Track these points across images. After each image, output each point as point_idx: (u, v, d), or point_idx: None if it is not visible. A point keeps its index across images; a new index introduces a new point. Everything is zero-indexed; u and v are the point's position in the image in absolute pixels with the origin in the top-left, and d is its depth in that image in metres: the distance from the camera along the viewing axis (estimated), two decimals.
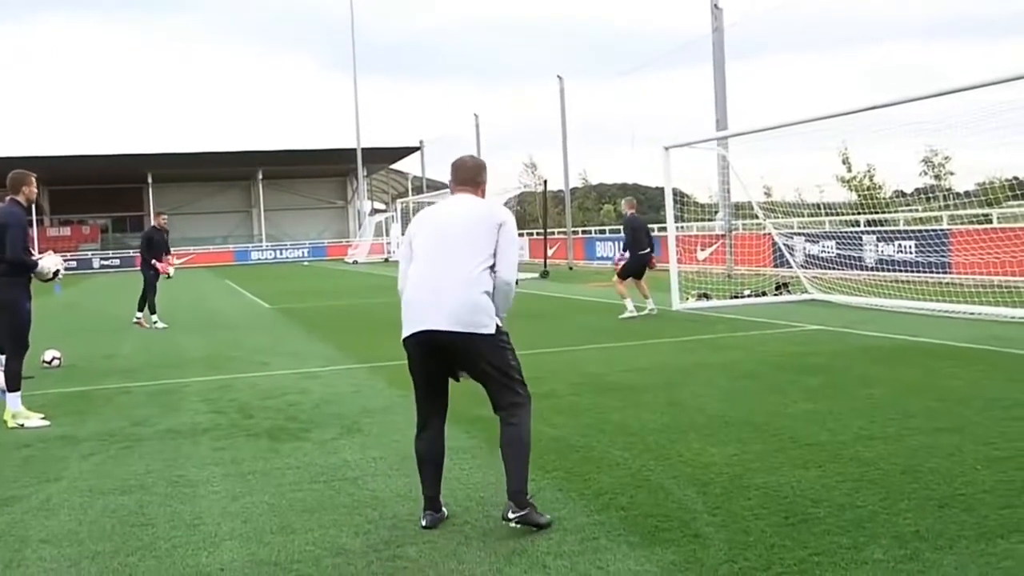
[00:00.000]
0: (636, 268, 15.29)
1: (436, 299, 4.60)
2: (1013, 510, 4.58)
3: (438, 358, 4.70)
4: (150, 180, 65.76)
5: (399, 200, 54.95)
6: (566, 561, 4.17)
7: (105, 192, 67.56)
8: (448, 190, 5.11)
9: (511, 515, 4.51)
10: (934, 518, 4.52)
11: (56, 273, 8.65)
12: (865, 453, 5.80)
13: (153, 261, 17.20)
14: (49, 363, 11.47)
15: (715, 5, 26.10)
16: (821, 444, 6.08)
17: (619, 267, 15.61)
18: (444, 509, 4.84)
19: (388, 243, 53.77)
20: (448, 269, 4.64)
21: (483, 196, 4.97)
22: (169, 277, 17.64)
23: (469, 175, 4.99)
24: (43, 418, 7.99)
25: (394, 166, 71.41)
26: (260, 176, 68.18)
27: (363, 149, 58.60)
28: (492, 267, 4.69)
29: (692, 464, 5.72)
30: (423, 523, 4.70)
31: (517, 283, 4.90)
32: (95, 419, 8.11)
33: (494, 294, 4.68)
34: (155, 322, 16.73)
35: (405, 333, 4.71)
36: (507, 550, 4.34)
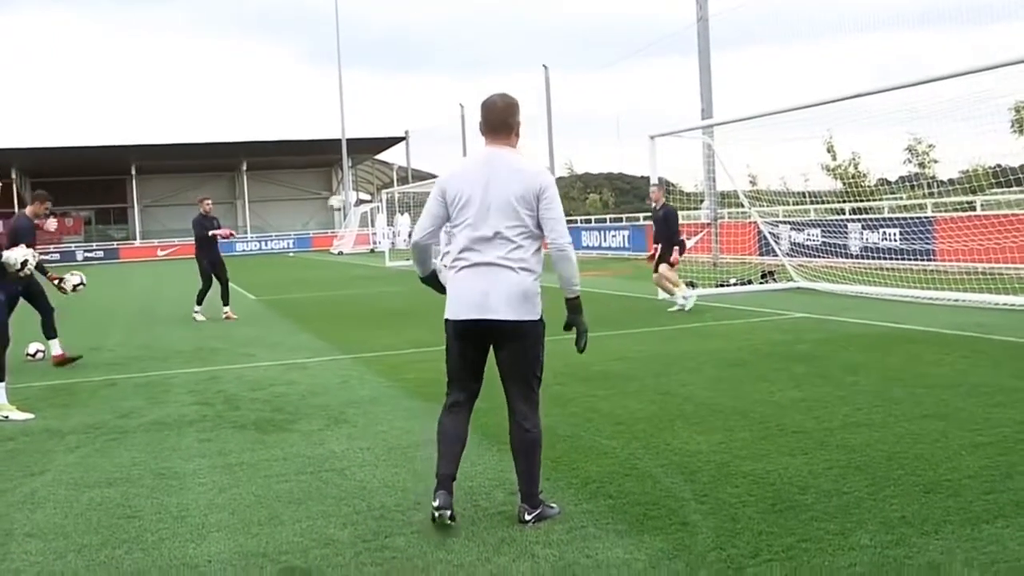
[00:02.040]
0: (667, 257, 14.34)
1: (488, 286, 4.39)
2: (998, 495, 4.62)
3: (482, 343, 4.53)
4: (134, 171, 65.43)
5: (384, 190, 54.88)
6: (554, 550, 4.17)
7: (88, 184, 67.13)
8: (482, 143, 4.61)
9: (527, 516, 4.47)
10: (920, 504, 4.54)
11: (24, 264, 8.62)
12: (851, 440, 5.82)
13: (212, 233, 15.95)
14: (33, 356, 11.40)
15: None
16: (808, 431, 6.11)
17: (653, 260, 14.48)
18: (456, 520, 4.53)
19: (373, 234, 53.64)
20: (496, 249, 4.39)
21: (517, 139, 4.56)
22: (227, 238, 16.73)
23: (501, 118, 4.51)
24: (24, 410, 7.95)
25: (379, 157, 71.22)
26: (245, 167, 67.92)
27: (348, 140, 58.42)
28: (535, 234, 4.44)
29: (680, 452, 5.74)
30: (435, 503, 4.43)
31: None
32: (80, 412, 8.07)
33: (555, 265, 4.45)
34: (197, 312, 15.90)
35: (451, 316, 4.51)
36: (495, 539, 4.35)
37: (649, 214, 19.85)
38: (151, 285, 29.32)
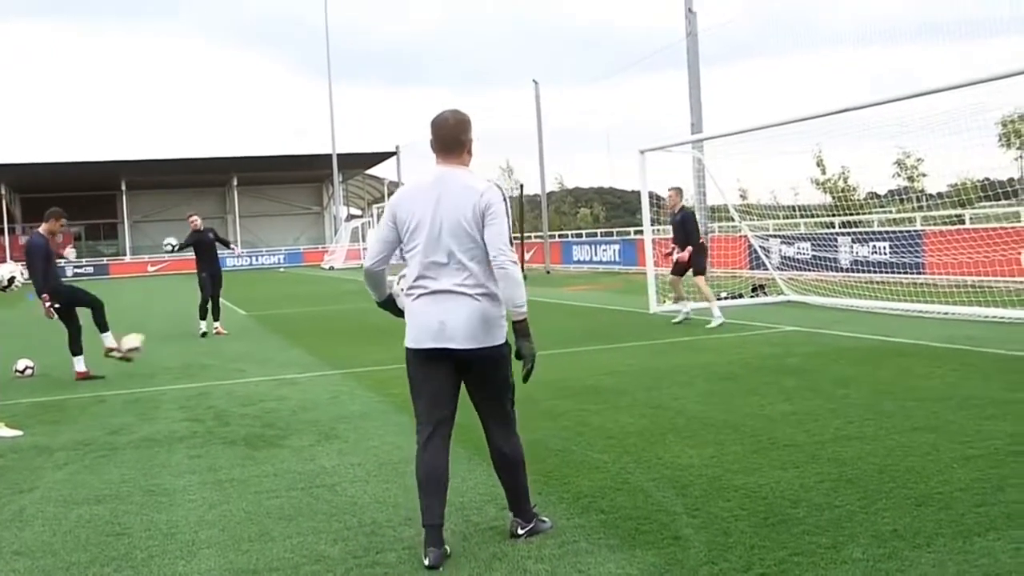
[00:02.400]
0: (688, 264, 14.02)
1: (444, 314, 4.22)
2: (989, 508, 4.62)
3: (448, 368, 4.33)
4: (124, 187, 65.25)
5: (375, 205, 54.79)
6: (546, 565, 4.16)
7: (78, 199, 66.72)
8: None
9: (520, 532, 4.44)
10: (912, 517, 4.54)
11: (11, 280, 8.64)
12: (843, 453, 5.82)
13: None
14: (22, 372, 11.34)
15: (689, 9, 26.21)
16: (799, 445, 6.11)
17: (680, 261, 14.06)
18: (446, 545, 4.28)
19: (364, 249, 53.56)
20: (451, 277, 4.21)
21: (469, 158, 4.36)
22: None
23: (452, 135, 4.31)
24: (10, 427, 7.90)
25: (370, 171, 71.23)
26: (235, 182, 67.82)
27: (339, 154, 58.42)
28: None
29: (671, 466, 5.73)
30: (427, 562, 4.15)
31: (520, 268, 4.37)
32: (69, 428, 8.02)
33: (498, 284, 4.22)
34: (201, 327, 15.78)
35: (411, 344, 4.33)
36: (487, 555, 4.33)
37: (640, 228, 19.90)
38: (141, 301, 29.22)
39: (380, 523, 4.90)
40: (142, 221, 69.23)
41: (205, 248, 16.01)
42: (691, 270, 14.08)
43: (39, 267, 10.58)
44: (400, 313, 4.55)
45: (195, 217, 16.42)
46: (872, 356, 9.99)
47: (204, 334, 15.60)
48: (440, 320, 4.22)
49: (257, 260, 62.01)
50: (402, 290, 4.48)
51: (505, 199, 4.24)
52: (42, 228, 10.78)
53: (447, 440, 4.39)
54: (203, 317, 15.81)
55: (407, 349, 4.38)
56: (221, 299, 16.30)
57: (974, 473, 5.24)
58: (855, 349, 10.62)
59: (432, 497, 4.25)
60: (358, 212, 72.90)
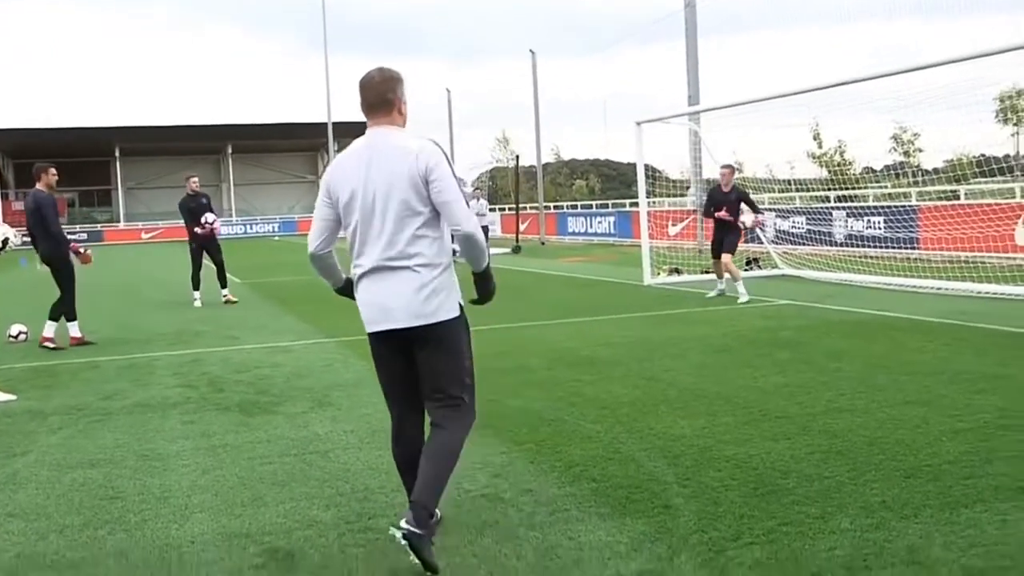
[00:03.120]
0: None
1: (385, 292, 3.89)
2: (977, 480, 4.65)
3: (399, 351, 3.99)
4: (117, 153, 64.99)
5: None
6: (537, 532, 4.19)
7: (72, 166, 66.36)
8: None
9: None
10: (900, 488, 4.58)
11: (5, 242, 8.61)
12: (834, 425, 5.86)
13: (197, 230, 15.26)
14: (15, 337, 11.34)
15: None
16: (790, 417, 6.14)
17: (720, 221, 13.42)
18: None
19: None
20: (386, 250, 3.85)
21: (403, 118, 3.98)
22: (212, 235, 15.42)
23: (378, 93, 3.92)
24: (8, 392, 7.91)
25: None
26: (230, 150, 67.57)
27: (334, 123, 58.15)
28: (436, 219, 3.85)
29: (663, 436, 5.76)
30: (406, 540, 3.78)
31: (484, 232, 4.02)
32: (63, 393, 8.04)
33: (460, 249, 3.91)
34: (195, 299, 15.28)
35: (367, 328, 4.03)
36: (478, 521, 4.36)
37: (635, 200, 19.86)
38: (135, 268, 29.20)
39: (372, 489, 4.93)
40: (136, 188, 68.99)
41: (198, 216, 15.36)
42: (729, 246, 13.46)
43: (54, 220, 10.67)
44: None
45: (195, 179, 15.73)
46: (865, 330, 10.02)
47: (198, 305, 15.12)
48: (383, 299, 3.90)
49: (252, 228, 61.87)
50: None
51: (445, 155, 3.86)
52: (40, 185, 10.64)
53: (420, 432, 4.12)
54: (196, 288, 15.36)
55: (367, 334, 4.07)
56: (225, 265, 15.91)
57: (963, 446, 5.27)
58: (848, 323, 10.66)
59: (412, 478, 4.00)
60: None
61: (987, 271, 14.42)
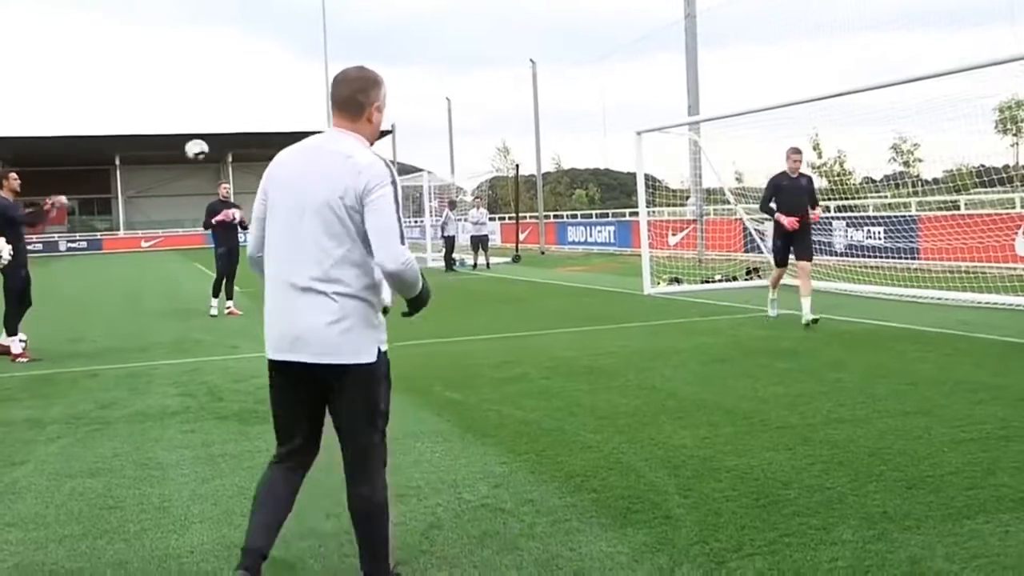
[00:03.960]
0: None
1: (294, 319, 3.36)
2: (979, 491, 4.64)
3: (302, 386, 3.47)
4: (118, 162, 65.02)
5: None
6: (538, 543, 4.17)
7: (72, 174, 66.59)
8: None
9: None
10: (902, 499, 4.56)
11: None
12: (835, 436, 5.84)
13: (216, 219, 14.89)
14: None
15: None
16: (791, 427, 6.13)
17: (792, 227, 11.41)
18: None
19: None
20: (306, 267, 3.32)
21: (371, 128, 3.48)
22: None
23: (349, 92, 3.45)
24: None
25: None
26: (230, 159, 67.55)
27: None
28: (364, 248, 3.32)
29: (663, 447, 5.74)
30: None
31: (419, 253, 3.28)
32: (61, 402, 8.02)
33: (391, 287, 3.44)
34: (212, 306, 14.87)
35: (267, 354, 3.50)
36: (479, 532, 4.34)
37: (635, 210, 19.83)
38: (135, 276, 29.18)
39: None
40: (136, 196, 69.03)
41: (228, 221, 14.98)
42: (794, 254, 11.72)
43: (20, 217, 10.49)
44: None
45: (226, 185, 15.62)
46: (865, 340, 10.01)
47: (215, 314, 14.73)
48: (290, 323, 3.37)
49: None
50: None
51: (394, 181, 3.32)
52: (4, 192, 10.46)
53: (299, 473, 3.63)
54: (216, 295, 14.90)
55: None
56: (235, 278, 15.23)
57: (965, 457, 5.26)
58: (848, 333, 10.65)
59: (263, 516, 3.52)
60: None
61: (987, 281, 14.42)
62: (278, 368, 3.49)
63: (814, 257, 12.37)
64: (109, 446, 6.34)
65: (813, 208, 11.76)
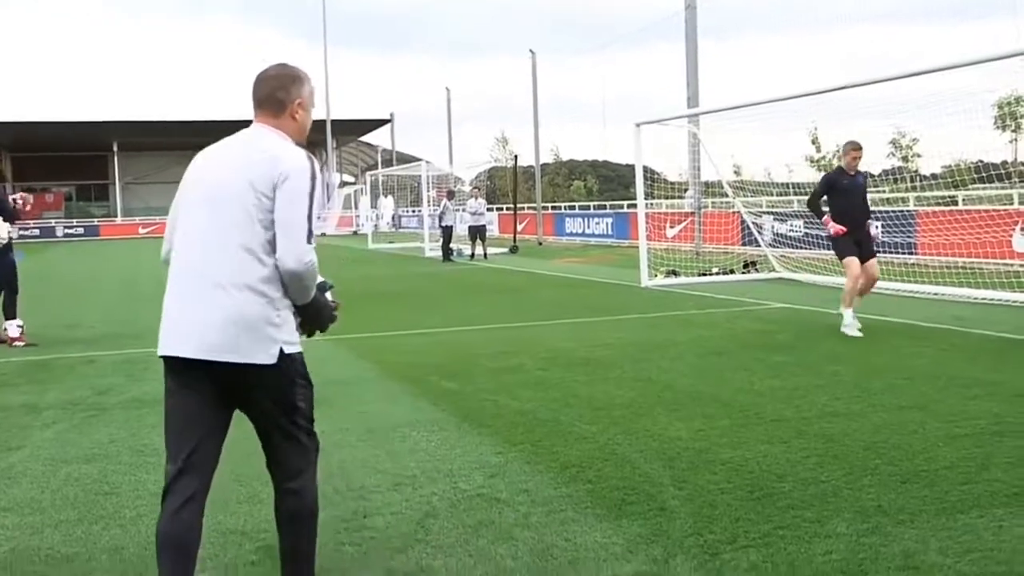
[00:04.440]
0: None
1: (187, 311, 3.16)
2: (973, 486, 4.66)
3: (203, 387, 3.20)
4: (116, 148, 64.87)
5: (368, 172, 54.74)
6: (533, 533, 4.18)
7: (70, 160, 66.59)
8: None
9: None
10: (896, 493, 4.58)
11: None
12: (830, 429, 5.86)
13: None
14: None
15: None
16: (787, 420, 6.14)
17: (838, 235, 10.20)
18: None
19: (356, 215, 53.50)
20: (203, 261, 3.15)
21: (297, 125, 3.39)
22: None
23: (269, 89, 3.36)
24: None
25: (364, 138, 70.87)
26: None
27: (333, 121, 58.11)
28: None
29: (659, 438, 5.75)
30: None
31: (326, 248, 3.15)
32: (58, 388, 8.02)
33: (286, 285, 3.17)
34: None
35: (159, 351, 3.25)
36: (474, 521, 4.35)
37: (634, 202, 19.80)
38: (132, 263, 29.13)
39: (368, 488, 4.92)
40: (134, 183, 68.87)
41: None
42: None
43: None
44: None
45: None
46: (862, 334, 10.01)
47: None
48: (194, 319, 3.14)
49: None
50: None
51: (314, 176, 3.19)
52: None
53: (199, 505, 3.29)
54: None
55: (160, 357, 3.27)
56: None
57: (959, 452, 5.27)
58: None
59: (172, 564, 3.18)
60: (351, 179, 72.64)
61: (984, 277, 14.43)
62: (176, 367, 3.22)
63: (811, 250, 12.04)
64: (105, 432, 6.34)
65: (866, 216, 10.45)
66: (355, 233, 50.25)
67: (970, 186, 21.92)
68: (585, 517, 4.37)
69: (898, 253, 18.75)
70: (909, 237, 19.55)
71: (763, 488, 4.71)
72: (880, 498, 4.50)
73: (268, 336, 3.15)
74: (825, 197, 10.48)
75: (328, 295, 3.46)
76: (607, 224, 34.75)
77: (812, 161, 34.19)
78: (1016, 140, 37.76)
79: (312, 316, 3.35)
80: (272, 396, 3.25)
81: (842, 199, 10.22)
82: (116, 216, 64.77)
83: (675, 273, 17.90)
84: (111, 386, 8.03)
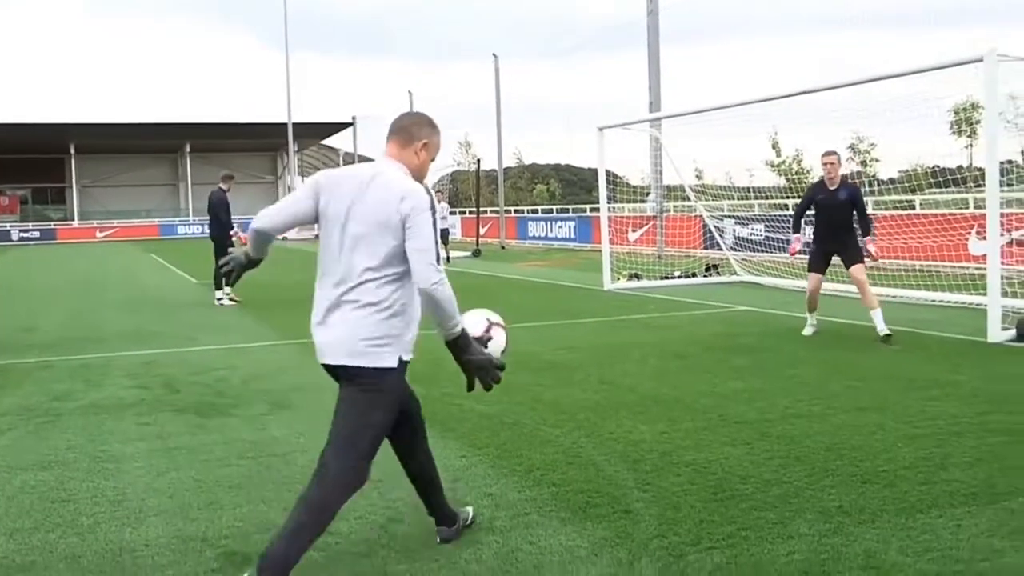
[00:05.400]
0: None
1: (334, 325, 3.77)
2: (932, 486, 4.72)
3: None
4: (72, 150, 63.91)
5: None
6: (498, 536, 4.17)
7: (25, 162, 65.42)
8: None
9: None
10: (857, 494, 4.62)
11: None
12: (791, 431, 5.91)
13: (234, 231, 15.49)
14: None
15: None
16: (749, 422, 6.18)
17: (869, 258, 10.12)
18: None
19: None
20: (354, 282, 3.70)
21: (419, 159, 3.81)
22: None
23: (403, 123, 3.85)
24: None
25: (326, 142, 70.48)
26: (188, 149, 66.72)
27: (294, 124, 57.72)
28: (399, 261, 3.66)
29: (623, 441, 5.77)
30: None
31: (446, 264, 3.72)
32: (13, 394, 7.87)
33: (427, 309, 3.73)
34: (219, 298, 15.17)
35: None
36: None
37: (596, 206, 19.87)
38: (90, 267, 28.72)
39: None
40: (91, 186, 67.92)
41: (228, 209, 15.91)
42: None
43: None
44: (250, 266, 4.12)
45: (230, 178, 16.47)
46: (821, 337, 10.12)
47: (225, 302, 15.07)
48: (328, 331, 3.78)
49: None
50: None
51: (432, 207, 3.67)
52: None
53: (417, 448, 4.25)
54: (219, 287, 15.30)
55: None
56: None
57: (918, 452, 5.34)
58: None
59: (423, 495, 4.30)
60: None
61: (941, 280, 14.65)
62: (329, 372, 3.90)
63: (772, 254, 12.07)
64: (62, 438, 6.24)
65: (865, 232, 10.11)
66: (316, 237, 49.98)
67: (927, 191, 22.26)
68: (550, 520, 4.37)
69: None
70: None
71: (726, 490, 4.74)
72: (841, 499, 4.55)
73: (386, 349, 3.76)
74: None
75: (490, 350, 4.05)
76: (570, 228, 34.83)
77: (772, 165, 34.57)
78: (971, 146, 38.41)
79: (461, 357, 3.88)
80: (357, 393, 3.81)
81: (820, 213, 10.22)
82: (73, 220, 63.83)
83: (637, 276, 17.98)
84: (68, 391, 7.90)
